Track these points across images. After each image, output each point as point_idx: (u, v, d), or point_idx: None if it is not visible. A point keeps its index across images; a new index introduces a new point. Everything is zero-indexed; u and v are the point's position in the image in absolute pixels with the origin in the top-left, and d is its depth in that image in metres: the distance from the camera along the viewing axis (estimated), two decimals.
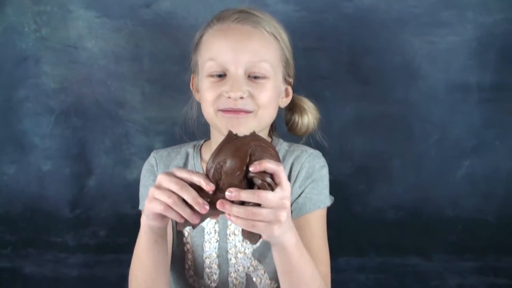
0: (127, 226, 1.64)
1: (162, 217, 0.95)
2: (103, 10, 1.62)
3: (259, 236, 0.92)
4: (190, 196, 0.89)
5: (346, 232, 1.66)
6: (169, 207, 0.90)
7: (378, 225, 1.68)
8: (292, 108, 1.29)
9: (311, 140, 1.35)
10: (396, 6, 1.59)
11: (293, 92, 1.28)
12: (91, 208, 1.70)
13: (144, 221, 1.00)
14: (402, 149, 1.66)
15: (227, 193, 0.87)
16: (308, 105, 1.29)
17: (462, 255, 1.70)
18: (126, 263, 1.56)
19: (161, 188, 0.91)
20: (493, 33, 1.60)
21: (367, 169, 1.67)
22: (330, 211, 1.49)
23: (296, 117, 1.28)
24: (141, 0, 1.61)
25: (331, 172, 1.52)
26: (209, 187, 0.89)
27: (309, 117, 1.28)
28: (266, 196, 0.87)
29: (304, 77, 1.52)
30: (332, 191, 1.46)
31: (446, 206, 1.69)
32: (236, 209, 0.87)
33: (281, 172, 0.89)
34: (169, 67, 1.60)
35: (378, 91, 1.64)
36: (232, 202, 0.88)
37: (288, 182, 0.91)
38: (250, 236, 0.92)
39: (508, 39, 1.60)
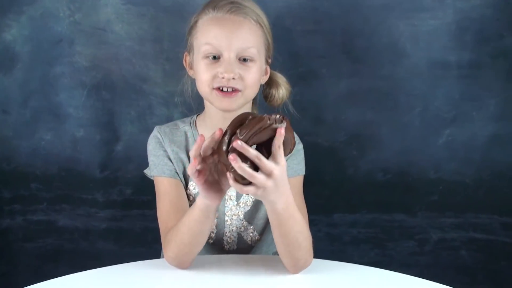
0: (150, 185, 1.56)
1: (214, 193, 1.06)
2: None
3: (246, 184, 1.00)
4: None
5: (341, 192, 1.77)
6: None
7: (368, 186, 1.76)
8: (270, 83, 1.35)
9: (285, 110, 1.39)
10: None
11: (289, 70, 1.35)
12: (118, 169, 1.79)
13: (201, 199, 1.09)
14: (389, 119, 1.73)
15: (237, 142, 0.95)
16: (282, 79, 1.36)
17: (443, 213, 1.76)
18: (148, 217, 1.74)
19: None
20: (471, 17, 1.65)
21: (359, 137, 1.74)
22: (327, 174, 1.65)
23: (273, 91, 1.35)
24: None
25: (327, 140, 1.69)
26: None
27: (283, 90, 1.35)
28: (263, 160, 0.97)
29: (303, 56, 1.65)
30: (328, 156, 1.61)
31: (428, 169, 1.75)
32: (242, 166, 0.96)
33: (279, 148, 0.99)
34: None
35: (368, 68, 1.70)
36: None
37: (283, 158, 1.00)
38: (240, 181, 1.00)
39: (484, 22, 1.65)
